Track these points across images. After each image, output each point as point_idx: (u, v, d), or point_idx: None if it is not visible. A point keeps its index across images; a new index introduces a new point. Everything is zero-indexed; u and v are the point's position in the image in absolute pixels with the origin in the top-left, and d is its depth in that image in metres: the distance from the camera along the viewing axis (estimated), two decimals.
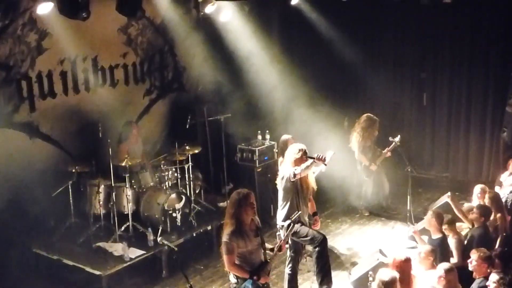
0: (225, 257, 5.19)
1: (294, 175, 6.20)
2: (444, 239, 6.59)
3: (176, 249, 6.04)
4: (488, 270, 5.59)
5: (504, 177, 8.13)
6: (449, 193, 7.68)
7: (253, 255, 5.28)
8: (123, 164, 7.64)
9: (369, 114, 8.99)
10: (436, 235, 6.61)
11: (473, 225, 6.88)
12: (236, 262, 5.22)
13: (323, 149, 6.65)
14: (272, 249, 5.46)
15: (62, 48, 8.00)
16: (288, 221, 5.75)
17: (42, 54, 7.87)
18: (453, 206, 7.35)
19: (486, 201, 7.18)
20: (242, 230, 5.19)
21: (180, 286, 7.19)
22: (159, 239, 6.18)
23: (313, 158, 6.14)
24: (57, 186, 7.75)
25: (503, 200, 7.45)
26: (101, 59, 8.62)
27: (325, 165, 6.14)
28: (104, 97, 8.58)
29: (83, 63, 8.40)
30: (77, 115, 8.23)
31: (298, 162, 6.29)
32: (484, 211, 6.79)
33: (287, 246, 6.50)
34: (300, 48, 10.39)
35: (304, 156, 6.31)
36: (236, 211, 5.21)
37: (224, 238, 5.19)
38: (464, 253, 6.47)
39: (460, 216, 7.21)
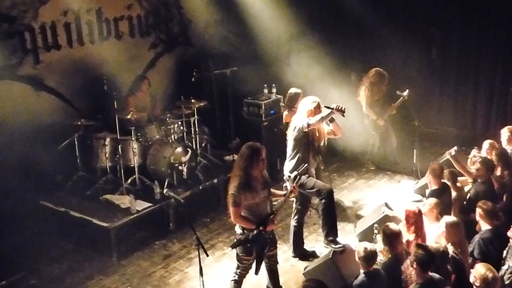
0: (231, 209, 5.19)
1: (308, 125, 6.11)
2: (441, 190, 6.57)
3: (182, 201, 6.06)
4: (495, 223, 5.60)
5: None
6: (454, 149, 7.66)
7: (260, 207, 5.29)
8: (129, 117, 7.62)
9: (378, 68, 8.86)
10: (434, 186, 6.62)
11: (475, 180, 6.83)
12: (243, 214, 5.23)
13: (329, 103, 6.57)
14: (284, 194, 5.46)
15: None
16: (295, 173, 5.73)
17: (45, 4, 7.78)
18: (453, 163, 7.33)
19: (494, 157, 7.13)
20: (250, 183, 5.18)
21: (186, 238, 7.27)
22: (165, 191, 6.20)
23: (331, 109, 6.06)
24: (63, 140, 7.76)
25: None
26: (105, 10, 8.53)
27: (343, 116, 6.06)
28: (109, 49, 8.51)
29: (87, 14, 8.30)
30: (82, 68, 8.16)
31: (311, 113, 6.22)
32: (487, 164, 6.75)
33: (292, 199, 6.51)
34: (308, 4, 10.13)
35: (318, 108, 6.24)
36: (246, 164, 5.17)
37: (231, 190, 5.18)
38: (469, 207, 6.47)
39: (462, 172, 7.19)
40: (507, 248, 5.24)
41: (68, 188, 7.75)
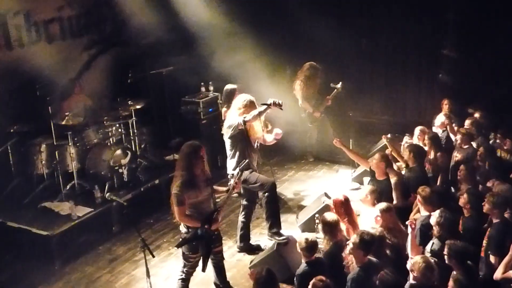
0: (175, 209, 5.24)
1: (244, 122, 6.17)
2: (388, 181, 6.81)
3: (125, 203, 6.03)
4: (433, 208, 5.85)
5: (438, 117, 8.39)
6: (389, 135, 7.95)
7: (204, 205, 5.36)
8: (64, 122, 7.48)
9: (312, 62, 9.07)
10: (381, 177, 6.82)
11: (407, 165, 7.10)
12: (187, 212, 5.28)
13: (266, 97, 6.68)
14: (227, 190, 5.53)
15: None
16: (238, 169, 5.81)
17: None
18: (389, 147, 7.61)
19: (426, 142, 7.45)
20: (192, 181, 5.24)
21: (131, 241, 7.22)
22: (107, 195, 6.13)
23: (268, 105, 6.13)
24: None
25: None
26: (34, 13, 8.30)
27: (281, 109, 6.16)
28: (40, 53, 8.29)
29: (14, 18, 8.05)
30: (12, 73, 7.89)
31: (246, 112, 6.30)
32: (414, 149, 7.02)
33: (235, 195, 6.59)
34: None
35: (250, 107, 6.31)
36: (187, 163, 5.24)
37: (174, 190, 5.22)
38: (402, 193, 6.74)
39: (396, 156, 7.45)
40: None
41: (4, 197, 7.50)
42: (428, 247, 5.32)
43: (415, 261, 4.77)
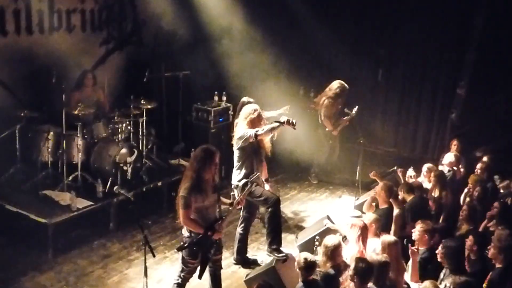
0: (181, 211, 5.17)
1: (256, 135, 6.14)
2: (389, 210, 6.77)
3: (132, 199, 5.97)
4: (431, 242, 5.82)
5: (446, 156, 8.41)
6: (397, 168, 7.94)
7: (209, 211, 5.31)
8: (76, 112, 7.44)
9: (341, 81, 8.96)
10: (383, 206, 6.80)
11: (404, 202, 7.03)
12: (192, 216, 5.22)
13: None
14: (231, 204, 5.48)
15: None
16: (244, 181, 5.75)
17: None
18: (402, 180, 7.60)
19: (432, 179, 7.45)
20: (201, 185, 5.19)
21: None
22: (114, 188, 6.07)
23: (281, 123, 6.14)
24: (2, 130, 7.45)
25: None
26: (58, 1, 8.29)
27: (294, 129, 6.17)
28: (58, 41, 8.25)
29: (38, 3, 8.05)
30: (29, 57, 7.86)
31: (255, 122, 6.28)
32: (406, 188, 7.06)
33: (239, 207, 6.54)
34: (264, 17, 10.22)
35: (259, 117, 6.32)
36: (199, 167, 5.19)
37: (182, 192, 5.16)
38: (401, 226, 6.66)
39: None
40: (443, 270, 5.45)
41: (5, 180, 7.43)
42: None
43: (425, 286, 4.75)
